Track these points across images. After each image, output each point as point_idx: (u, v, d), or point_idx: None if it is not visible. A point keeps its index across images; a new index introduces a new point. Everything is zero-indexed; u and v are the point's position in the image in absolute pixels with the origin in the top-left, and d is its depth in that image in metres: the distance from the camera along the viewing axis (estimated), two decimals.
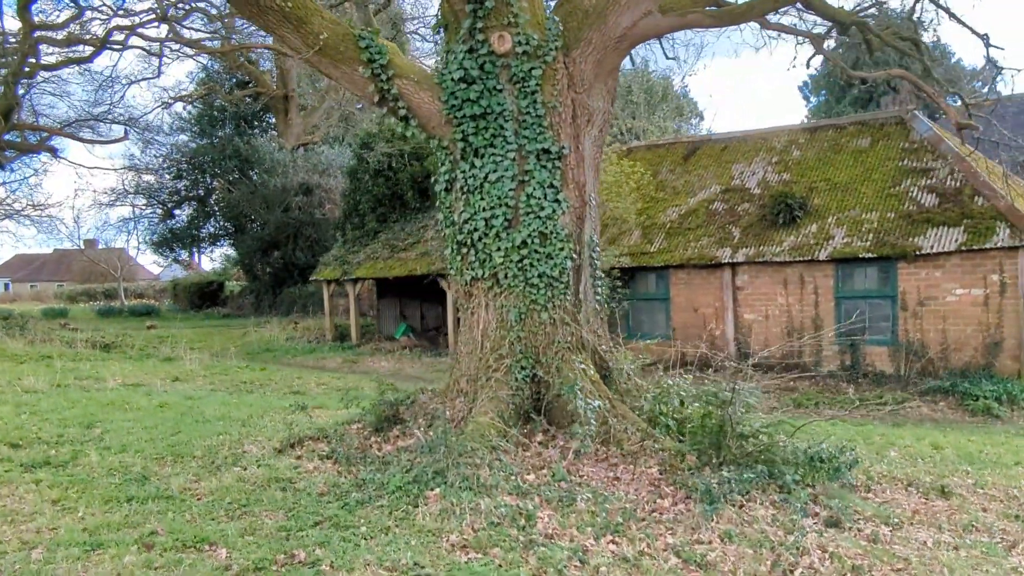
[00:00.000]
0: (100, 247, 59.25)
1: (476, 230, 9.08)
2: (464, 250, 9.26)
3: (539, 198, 8.97)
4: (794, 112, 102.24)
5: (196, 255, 57.17)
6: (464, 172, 9.11)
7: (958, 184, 17.30)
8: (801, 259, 17.91)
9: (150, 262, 74.96)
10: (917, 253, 16.48)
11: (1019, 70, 15.99)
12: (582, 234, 9.32)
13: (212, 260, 56.65)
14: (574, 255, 9.18)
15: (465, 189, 9.13)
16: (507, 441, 8.07)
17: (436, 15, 9.68)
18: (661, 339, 19.59)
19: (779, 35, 15.52)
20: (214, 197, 44.90)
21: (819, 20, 15.55)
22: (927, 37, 16.20)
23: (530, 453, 8.07)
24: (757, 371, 12.63)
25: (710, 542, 5.97)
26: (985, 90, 58.88)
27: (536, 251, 8.95)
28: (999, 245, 15.77)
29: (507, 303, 8.99)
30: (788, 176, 20.05)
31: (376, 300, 29.22)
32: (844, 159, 19.59)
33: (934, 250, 16.36)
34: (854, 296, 17.64)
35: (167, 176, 45.22)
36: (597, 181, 9.83)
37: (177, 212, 46.39)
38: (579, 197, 9.29)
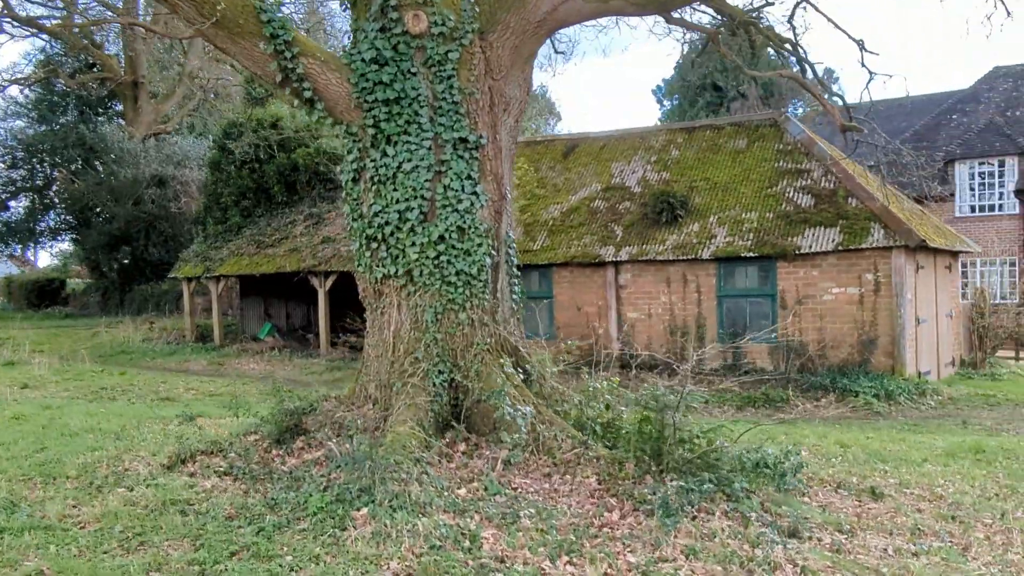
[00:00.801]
0: None
1: (388, 223, 8.41)
2: (374, 245, 8.57)
3: (457, 190, 8.39)
4: (648, 115, 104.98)
5: (33, 250, 53.31)
6: (375, 161, 8.42)
7: (832, 185, 17.75)
8: (684, 258, 17.98)
9: None
10: (797, 252, 16.79)
11: (891, 75, 16.45)
12: (499, 229, 8.81)
13: (52, 256, 52.89)
14: (492, 251, 8.65)
15: (376, 179, 8.45)
16: (430, 452, 7.47)
17: None
18: (545, 338, 19.27)
19: (669, 30, 15.45)
20: (55, 188, 41.75)
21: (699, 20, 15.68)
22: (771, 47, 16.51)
23: (455, 465, 7.49)
24: (641, 371, 12.47)
25: (675, 560, 5.57)
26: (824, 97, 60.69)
27: (454, 247, 8.37)
28: (874, 245, 16.24)
29: (422, 302, 8.37)
30: (668, 175, 20.14)
31: (239, 299, 27.76)
32: (723, 159, 19.83)
33: (812, 250, 16.71)
34: (736, 295, 17.85)
35: (0, 165, 41.73)
36: (512, 174, 9.34)
37: (12, 204, 42.90)
38: (497, 190, 8.76)
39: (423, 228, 8.31)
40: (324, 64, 8.36)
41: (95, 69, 40.51)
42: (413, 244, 8.32)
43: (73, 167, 38.99)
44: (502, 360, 8.46)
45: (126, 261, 36.84)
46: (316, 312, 27.87)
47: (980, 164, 33.06)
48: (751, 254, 17.18)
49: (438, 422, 8.04)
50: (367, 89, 8.30)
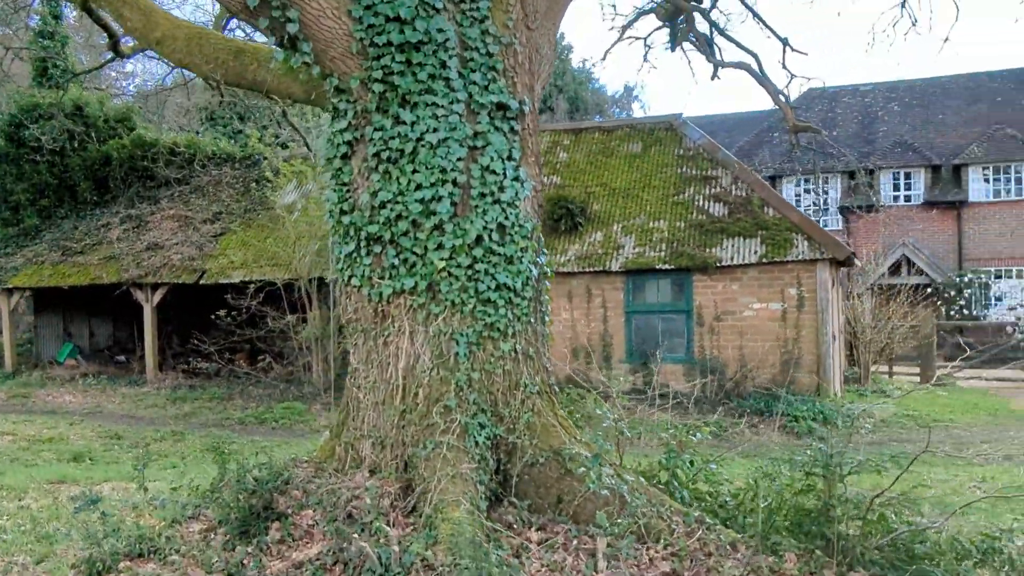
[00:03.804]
0: None
1: (403, 218, 5.98)
2: (378, 248, 6.09)
3: (498, 174, 6.11)
4: None
5: None
6: (383, 130, 5.97)
7: (744, 193, 16.63)
8: (589, 270, 16.29)
9: None
10: (719, 264, 15.49)
11: (810, 78, 15.58)
12: (538, 228, 6.60)
13: None
14: (537, 258, 6.43)
15: (385, 156, 5.99)
16: (501, 547, 5.16)
17: None
18: None
19: None
20: None
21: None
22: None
23: (540, 564, 5.21)
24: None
25: None
26: (623, 114, 62.56)
27: (493, 251, 6.06)
28: (800, 258, 15.20)
29: (448, 328, 5.99)
30: (559, 179, 18.40)
31: (33, 315, 23.38)
32: (618, 163, 18.34)
33: (734, 262, 15.47)
34: (646, 311, 16.33)
35: None
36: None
37: None
38: (538, 175, 6.56)
39: (455, 225, 5.96)
40: None
41: None
42: (440, 247, 5.94)
43: None
44: (553, 406, 6.27)
45: None
46: (124, 330, 24.08)
47: (806, 181, 33.83)
48: (667, 266, 15.71)
49: (487, 496, 5.72)
50: (376, 28, 5.86)
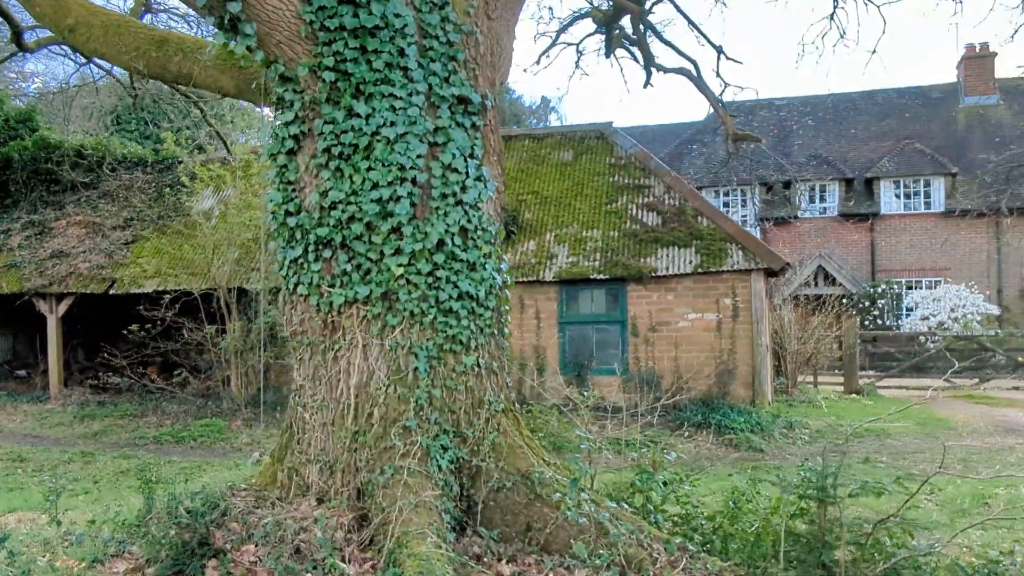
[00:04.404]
0: None
1: (356, 220, 5.43)
2: (328, 253, 5.53)
3: (460, 172, 5.62)
4: None
5: None
6: (335, 123, 5.42)
7: (677, 203, 16.47)
8: (523, 280, 15.86)
9: None
10: (654, 275, 15.25)
11: (743, 88, 15.55)
12: (501, 233, 6.13)
13: None
14: (500, 265, 5.95)
15: (335, 151, 5.44)
16: None
17: None
18: None
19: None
20: None
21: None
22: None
23: None
24: None
25: None
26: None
27: (456, 257, 5.57)
28: (735, 268, 15.07)
29: (407, 341, 5.47)
30: None
31: None
32: (549, 171, 18.00)
33: (670, 272, 15.26)
34: (580, 321, 15.98)
35: None
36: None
37: None
38: (500, 175, 6.09)
39: (414, 228, 5.44)
40: None
41: None
42: (398, 252, 5.41)
43: None
44: (522, 426, 5.80)
45: None
46: (24, 343, 22.65)
47: (726, 194, 34.17)
48: (601, 276, 15.40)
49: (453, 526, 5.20)
50: (327, 10, 5.32)
